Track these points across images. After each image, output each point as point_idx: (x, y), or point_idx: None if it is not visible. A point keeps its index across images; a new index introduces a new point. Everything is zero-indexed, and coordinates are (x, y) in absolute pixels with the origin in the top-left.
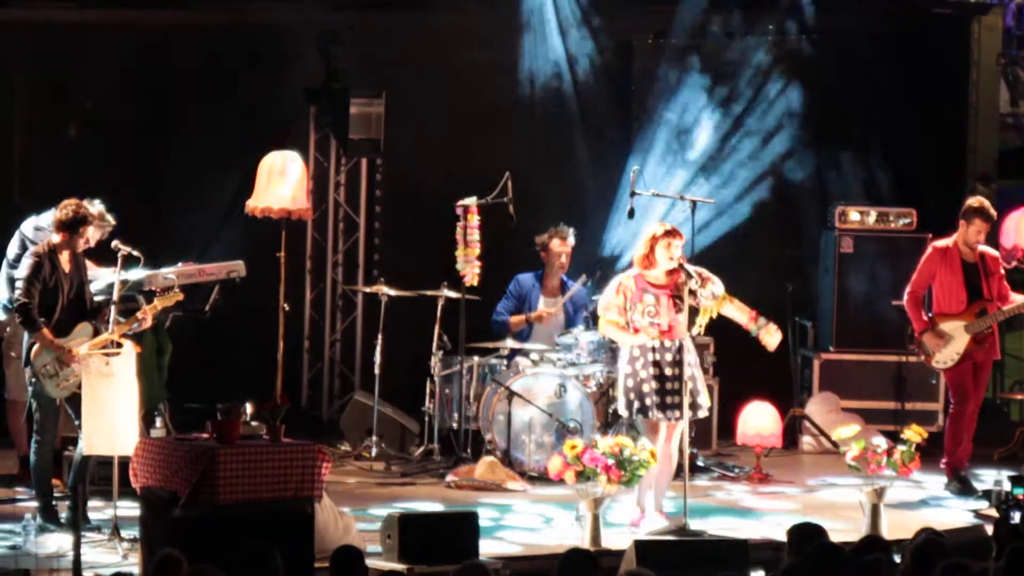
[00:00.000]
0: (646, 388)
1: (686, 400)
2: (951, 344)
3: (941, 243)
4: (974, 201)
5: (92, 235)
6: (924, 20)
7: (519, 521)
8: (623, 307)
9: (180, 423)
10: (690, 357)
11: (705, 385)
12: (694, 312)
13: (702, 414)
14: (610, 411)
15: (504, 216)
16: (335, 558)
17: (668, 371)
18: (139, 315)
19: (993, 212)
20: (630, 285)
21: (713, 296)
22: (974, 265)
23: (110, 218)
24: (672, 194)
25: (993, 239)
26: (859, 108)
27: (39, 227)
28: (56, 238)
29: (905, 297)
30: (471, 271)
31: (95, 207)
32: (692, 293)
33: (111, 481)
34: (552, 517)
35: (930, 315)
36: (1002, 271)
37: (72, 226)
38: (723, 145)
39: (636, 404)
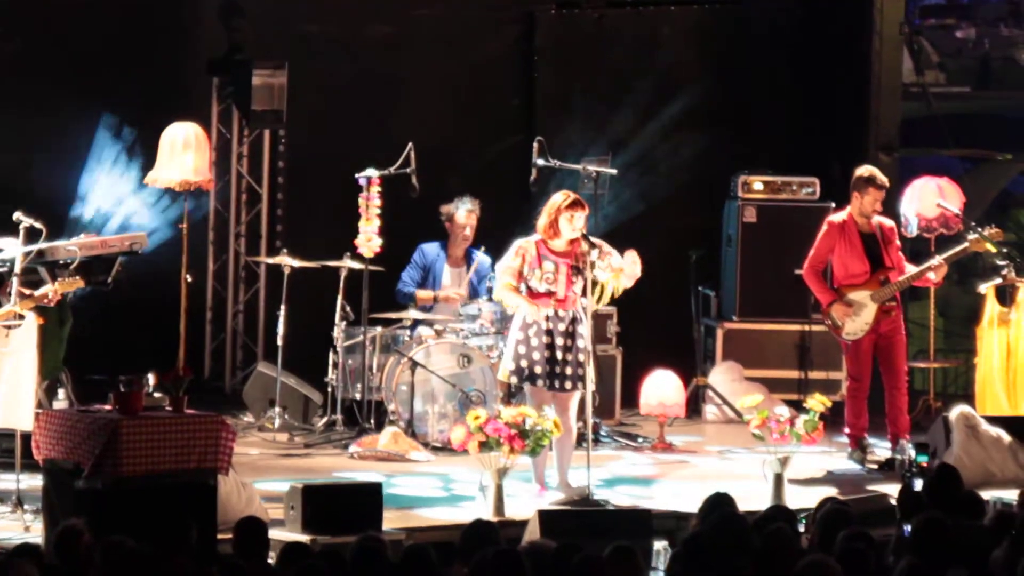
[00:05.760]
0: (536, 356)
1: (590, 371)
2: (860, 314)
3: (836, 217)
4: (864, 171)
5: None
6: None
7: (422, 492)
8: (519, 270)
9: (82, 394)
10: (582, 329)
11: (593, 361)
12: (594, 284)
13: (590, 387)
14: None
15: (407, 187)
16: (238, 529)
17: (560, 341)
18: (46, 292)
19: (884, 179)
20: (530, 249)
21: (611, 268)
22: (872, 235)
23: None
24: (574, 165)
25: (893, 207)
26: (761, 77)
27: None
28: None
29: (804, 273)
30: (373, 242)
31: None
32: (591, 265)
33: (13, 453)
34: (455, 488)
35: (835, 287)
36: (898, 241)
37: None
38: (626, 116)
39: (525, 372)
